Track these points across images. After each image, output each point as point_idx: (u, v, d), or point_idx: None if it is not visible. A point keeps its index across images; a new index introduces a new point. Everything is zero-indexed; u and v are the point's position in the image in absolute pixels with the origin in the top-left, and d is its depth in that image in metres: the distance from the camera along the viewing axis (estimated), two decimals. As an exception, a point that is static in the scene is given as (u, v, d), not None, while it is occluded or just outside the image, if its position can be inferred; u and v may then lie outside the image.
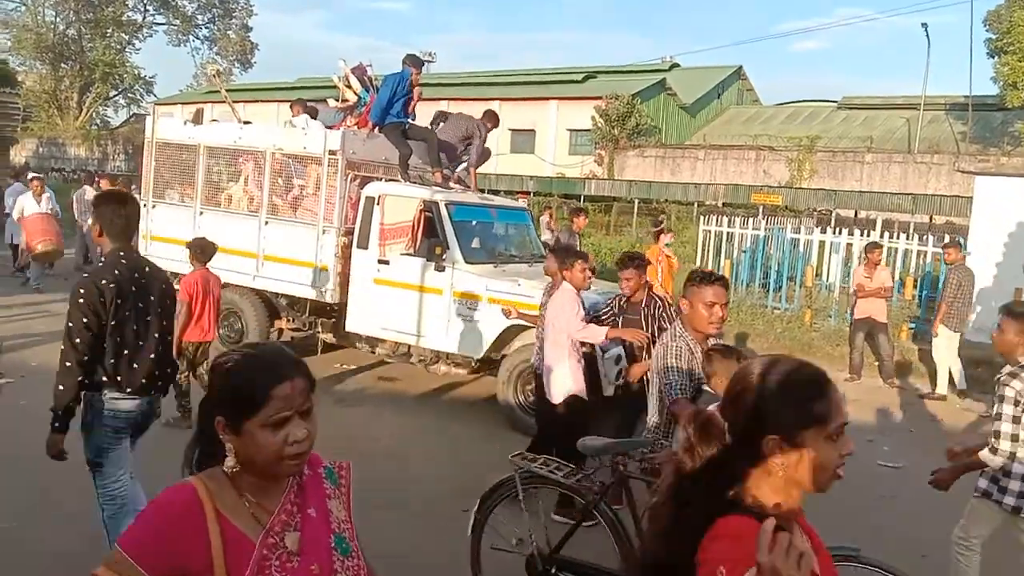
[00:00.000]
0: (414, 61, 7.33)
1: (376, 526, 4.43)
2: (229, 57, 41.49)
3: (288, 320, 7.65)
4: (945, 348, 8.28)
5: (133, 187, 12.42)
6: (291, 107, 8.30)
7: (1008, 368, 3.45)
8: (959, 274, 8.24)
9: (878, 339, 8.87)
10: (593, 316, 5.28)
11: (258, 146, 7.39)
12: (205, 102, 35.79)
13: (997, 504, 3.43)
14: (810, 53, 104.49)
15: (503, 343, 6.38)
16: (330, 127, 7.39)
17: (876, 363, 9.08)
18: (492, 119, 7.65)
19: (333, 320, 7.39)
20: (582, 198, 24.81)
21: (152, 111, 8.06)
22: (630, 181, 27.24)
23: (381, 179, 7.21)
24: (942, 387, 8.39)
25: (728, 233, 13.47)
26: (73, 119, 38.88)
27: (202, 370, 5.80)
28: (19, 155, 36.41)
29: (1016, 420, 3.33)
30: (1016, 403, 3.33)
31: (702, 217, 15.08)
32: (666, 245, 9.44)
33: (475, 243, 6.92)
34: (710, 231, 13.77)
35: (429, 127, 7.54)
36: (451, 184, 7.19)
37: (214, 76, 8.60)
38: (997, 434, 3.34)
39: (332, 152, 6.93)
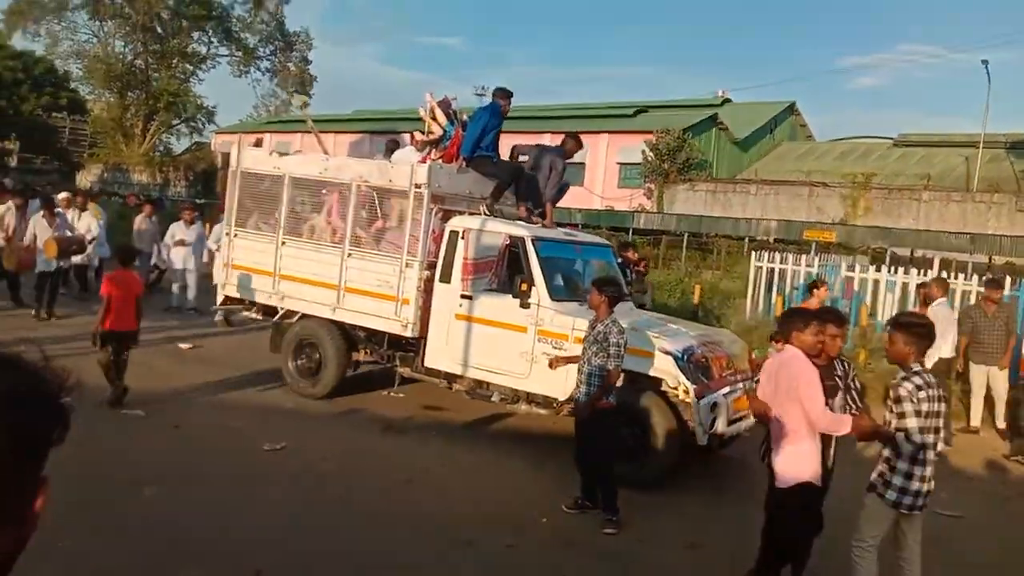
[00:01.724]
0: (504, 94, 7.34)
1: (424, 561, 4.51)
2: (288, 89, 42.59)
3: (366, 352, 7.62)
4: (975, 382, 8.53)
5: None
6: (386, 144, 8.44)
7: (901, 374, 3.81)
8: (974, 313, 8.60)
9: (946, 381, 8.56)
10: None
11: (343, 178, 7.44)
12: (265, 132, 36.83)
13: (881, 498, 3.79)
14: (865, 89, 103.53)
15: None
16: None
17: None
18: (575, 143, 7.54)
19: (411, 354, 7.33)
20: (631, 231, 24.66)
21: (239, 142, 8.12)
22: (680, 215, 27.03)
23: (464, 213, 7.19)
24: (975, 420, 8.58)
25: (780, 269, 13.21)
26: (137, 146, 40.19)
27: (126, 355, 6.74)
28: (85, 179, 37.76)
29: (918, 415, 3.68)
30: (912, 401, 3.68)
31: (754, 252, 14.84)
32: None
33: (559, 280, 6.83)
34: (762, 267, 13.51)
35: (516, 161, 7.52)
36: (535, 219, 7.14)
37: (301, 107, 8.71)
38: (906, 432, 3.69)
39: (418, 185, 6.93)
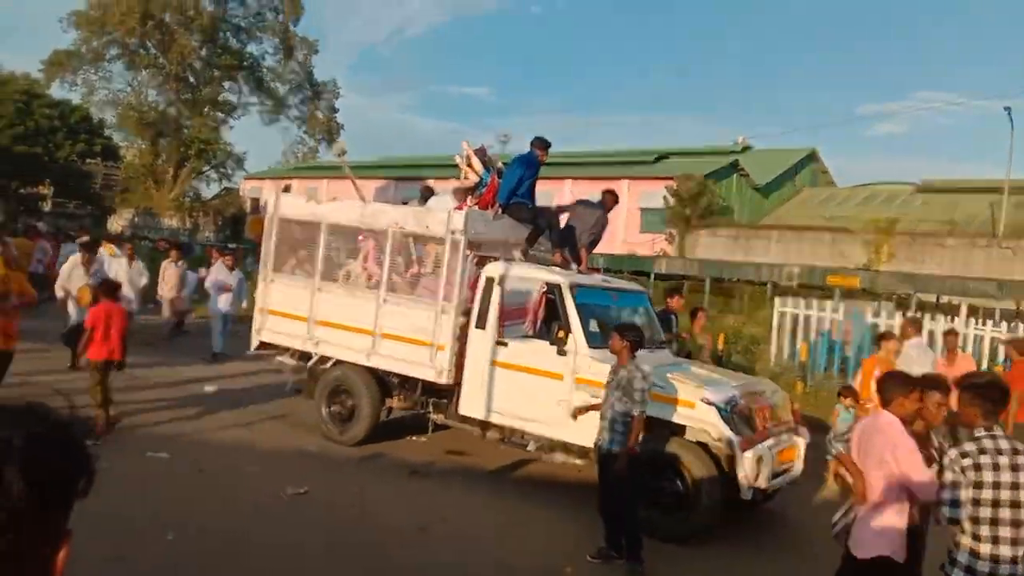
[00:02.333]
0: (541, 143, 7.43)
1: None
2: (316, 136, 43.52)
3: (400, 399, 7.58)
4: None
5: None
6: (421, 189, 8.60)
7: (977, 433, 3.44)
8: None
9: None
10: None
11: (379, 224, 7.51)
12: (292, 178, 37.54)
13: None
14: (887, 136, 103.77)
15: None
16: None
17: None
18: (613, 199, 7.66)
19: (445, 401, 7.28)
20: (652, 276, 24.61)
21: (278, 188, 8.38)
22: (701, 260, 26.97)
23: (499, 259, 7.21)
24: None
25: (805, 315, 13.07)
26: (168, 191, 41.05)
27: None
28: (116, 224, 38.52)
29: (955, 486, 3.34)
30: (952, 470, 3.36)
31: (777, 298, 14.72)
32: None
33: (596, 327, 6.78)
34: (785, 312, 13.37)
35: (552, 208, 7.58)
36: (571, 266, 7.14)
37: (338, 155, 8.85)
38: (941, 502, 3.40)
39: (455, 232, 6.97)
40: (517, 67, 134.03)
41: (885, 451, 3.63)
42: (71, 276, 10.31)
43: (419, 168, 36.35)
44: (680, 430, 5.96)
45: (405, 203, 8.91)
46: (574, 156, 33.36)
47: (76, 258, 10.66)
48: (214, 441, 7.29)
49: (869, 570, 3.69)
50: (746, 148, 35.30)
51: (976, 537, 3.29)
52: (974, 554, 3.28)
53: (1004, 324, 11.73)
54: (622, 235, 30.05)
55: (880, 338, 8.27)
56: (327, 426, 7.72)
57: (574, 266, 7.17)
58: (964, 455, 3.31)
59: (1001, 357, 10.65)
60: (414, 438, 7.89)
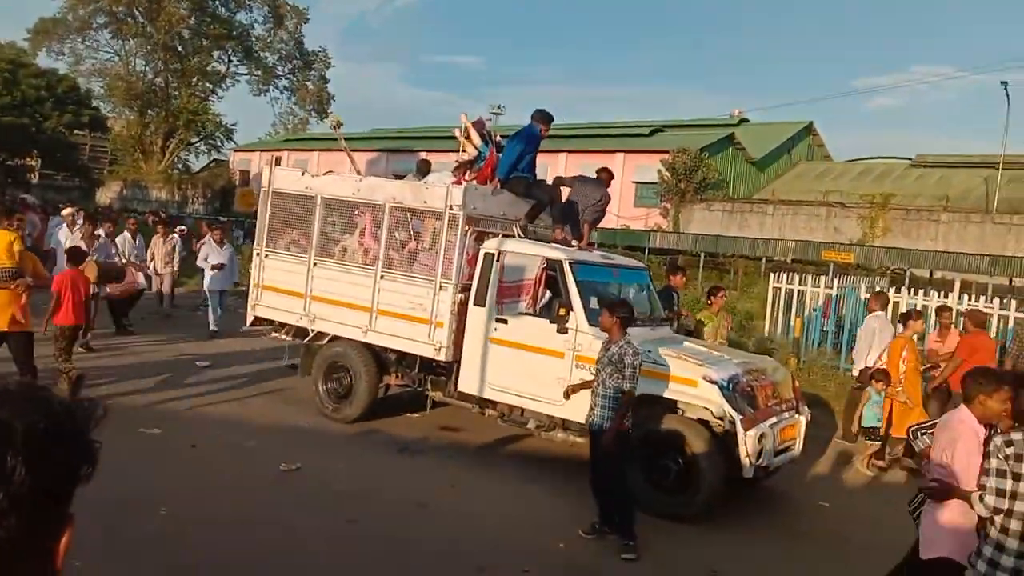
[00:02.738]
0: (543, 117, 7.28)
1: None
2: (306, 107, 42.96)
3: (397, 376, 7.51)
4: None
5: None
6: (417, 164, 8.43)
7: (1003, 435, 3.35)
8: None
9: (948, 407, 8.38)
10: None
11: (376, 199, 7.37)
12: (282, 150, 37.11)
13: (971, 568, 3.28)
14: (883, 110, 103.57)
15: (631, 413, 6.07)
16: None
17: None
18: (609, 175, 7.62)
19: (443, 378, 7.21)
20: (646, 251, 24.56)
21: (272, 162, 8.19)
22: (696, 234, 26.91)
23: (499, 235, 7.09)
24: None
25: (799, 290, 13.05)
26: (156, 163, 40.57)
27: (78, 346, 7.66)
28: (104, 196, 38.09)
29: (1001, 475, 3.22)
30: (998, 457, 3.25)
31: (772, 273, 14.69)
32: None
33: (595, 304, 6.70)
34: (780, 288, 13.33)
35: (552, 183, 7.46)
36: (572, 243, 7.03)
37: (334, 127, 8.67)
38: (984, 490, 3.26)
39: (453, 207, 6.85)
40: (510, 37, 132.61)
41: (947, 448, 3.50)
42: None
43: (411, 140, 36.01)
44: (681, 408, 5.92)
45: (397, 176, 8.77)
46: (569, 128, 33.03)
47: (75, 234, 10.54)
48: (208, 417, 7.24)
49: (930, 572, 3.55)
50: (742, 121, 35.09)
51: (1005, 531, 3.17)
52: (999, 547, 3.16)
53: (997, 300, 11.73)
54: (616, 209, 29.89)
55: (905, 318, 8.21)
56: (324, 403, 7.64)
57: (575, 242, 7.07)
58: (1009, 443, 3.18)
59: (993, 332, 10.70)
60: (410, 415, 7.84)
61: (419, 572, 4.64)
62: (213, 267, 11.52)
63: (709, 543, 5.48)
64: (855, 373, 8.72)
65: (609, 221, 28.76)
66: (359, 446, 6.94)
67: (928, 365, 8.60)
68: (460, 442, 7.34)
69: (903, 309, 12.33)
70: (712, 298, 8.84)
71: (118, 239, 11.44)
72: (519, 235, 7.01)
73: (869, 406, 7.56)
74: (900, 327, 8.28)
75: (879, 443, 7.62)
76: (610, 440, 5.08)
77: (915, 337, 8.29)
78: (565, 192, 7.62)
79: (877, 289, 11.12)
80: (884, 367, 7.72)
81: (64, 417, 0.92)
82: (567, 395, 5.86)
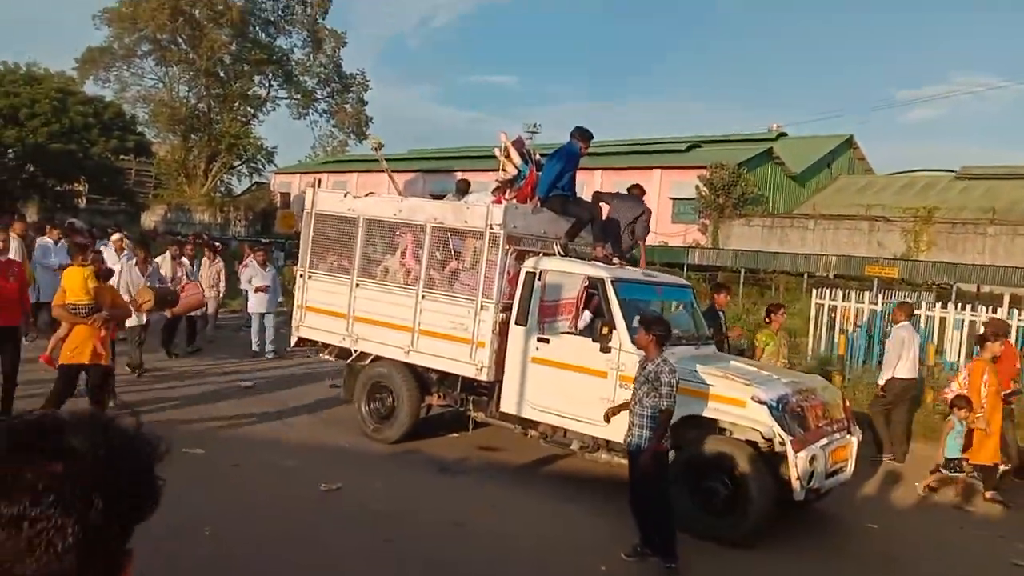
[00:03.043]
0: (583, 135, 7.26)
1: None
2: (345, 129, 43.64)
3: (439, 396, 7.50)
4: None
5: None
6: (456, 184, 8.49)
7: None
8: None
9: (1002, 426, 8.10)
10: None
11: (418, 219, 7.41)
12: (322, 172, 37.70)
13: None
14: (925, 121, 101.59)
15: (677, 435, 5.96)
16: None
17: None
18: (641, 192, 7.65)
19: (485, 398, 7.18)
20: (685, 267, 24.31)
21: (315, 184, 8.27)
22: (735, 250, 26.58)
23: (539, 253, 7.07)
24: None
25: (842, 307, 12.76)
26: (199, 186, 41.54)
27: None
28: (149, 220, 39.08)
29: None
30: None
31: (814, 290, 14.41)
32: None
33: (637, 322, 6.62)
34: (823, 304, 13.05)
35: (591, 202, 7.43)
36: (613, 260, 6.98)
37: (375, 149, 8.78)
38: None
39: (494, 226, 6.85)
40: (544, 55, 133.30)
41: None
42: (169, 272, 10.47)
43: (448, 160, 36.31)
44: (729, 429, 5.80)
45: (435, 196, 8.78)
46: (605, 145, 33.00)
47: (131, 262, 10.74)
48: (250, 437, 7.31)
49: None
50: (781, 135, 34.67)
51: None
52: None
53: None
54: (654, 225, 29.63)
55: (982, 340, 7.92)
56: (366, 423, 7.66)
57: (616, 260, 7.01)
58: None
59: None
60: (451, 435, 7.82)
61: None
62: (257, 289, 11.68)
63: (755, 565, 5.35)
64: (881, 382, 8.58)
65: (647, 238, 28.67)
66: (398, 466, 6.94)
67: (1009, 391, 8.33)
68: (499, 462, 7.30)
69: (949, 324, 12.05)
70: (772, 316, 8.59)
71: (159, 259, 11.61)
72: (559, 253, 6.97)
73: (952, 436, 7.13)
74: (978, 349, 8.00)
75: (961, 475, 7.19)
76: (648, 460, 5.01)
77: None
78: (604, 209, 7.59)
79: (901, 299, 11.08)
80: (964, 393, 7.34)
81: (132, 451, 0.93)
82: (607, 418, 5.77)
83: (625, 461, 6.31)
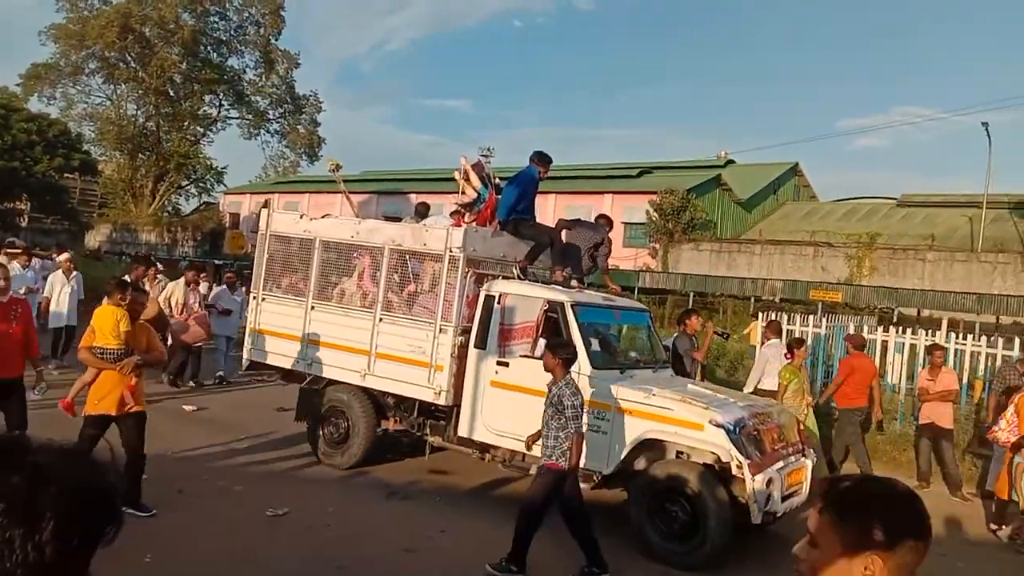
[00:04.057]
0: (541, 159, 7.31)
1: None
2: (297, 150, 43.19)
3: (395, 420, 7.39)
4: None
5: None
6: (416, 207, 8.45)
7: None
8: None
9: (942, 446, 8.49)
10: None
11: (375, 241, 7.34)
12: (273, 192, 37.16)
13: None
14: (867, 150, 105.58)
15: (637, 457, 5.98)
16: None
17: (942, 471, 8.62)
18: (609, 221, 7.71)
19: (443, 423, 7.10)
20: (636, 290, 24.60)
21: (268, 205, 8.20)
22: (685, 274, 27.02)
23: (499, 277, 7.06)
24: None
25: (788, 330, 13.08)
26: (147, 206, 40.51)
27: None
28: (94, 239, 37.89)
29: None
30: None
31: (760, 313, 14.74)
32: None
33: (596, 345, 6.65)
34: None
35: (551, 227, 7.47)
36: (572, 284, 7.01)
37: (332, 170, 8.67)
38: None
39: (453, 249, 6.82)
40: (499, 81, 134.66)
41: None
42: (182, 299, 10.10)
43: (401, 182, 36.20)
44: (686, 452, 5.84)
45: (388, 218, 8.74)
46: (558, 170, 33.32)
47: (178, 282, 10.45)
48: (193, 461, 7.12)
49: None
50: (729, 162, 35.57)
51: None
52: None
53: (984, 338, 11.81)
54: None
55: (1009, 391, 7.79)
56: (320, 448, 7.49)
57: (575, 283, 7.05)
58: None
59: (981, 370, 10.79)
60: (406, 459, 7.72)
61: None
62: (221, 312, 11.34)
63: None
64: (747, 390, 8.83)
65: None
66: (348, 489, 6.83)
67: (920, 400, 8.74)
68: (450, 486, 7.24)
69: (890, 347, 12.44)
70: (794, 352, 8.27)
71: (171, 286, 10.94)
72: (519, 276, 6.98)
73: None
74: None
75: None
76: (552, 481, 5.13)
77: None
78: (564, 234, 7.63)
79: (771, 319, 11.69)
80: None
81: (97, 477, 0.94)
82: (528, 446, 5.82)
83: (584, 486, 6.32)
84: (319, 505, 6.27)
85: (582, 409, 5.19)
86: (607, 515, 6.22)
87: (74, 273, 11.43)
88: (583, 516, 5.26)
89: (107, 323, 5.68)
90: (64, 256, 12.17)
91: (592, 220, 7.70)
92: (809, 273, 27.30)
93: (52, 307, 10.88)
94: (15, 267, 11.20)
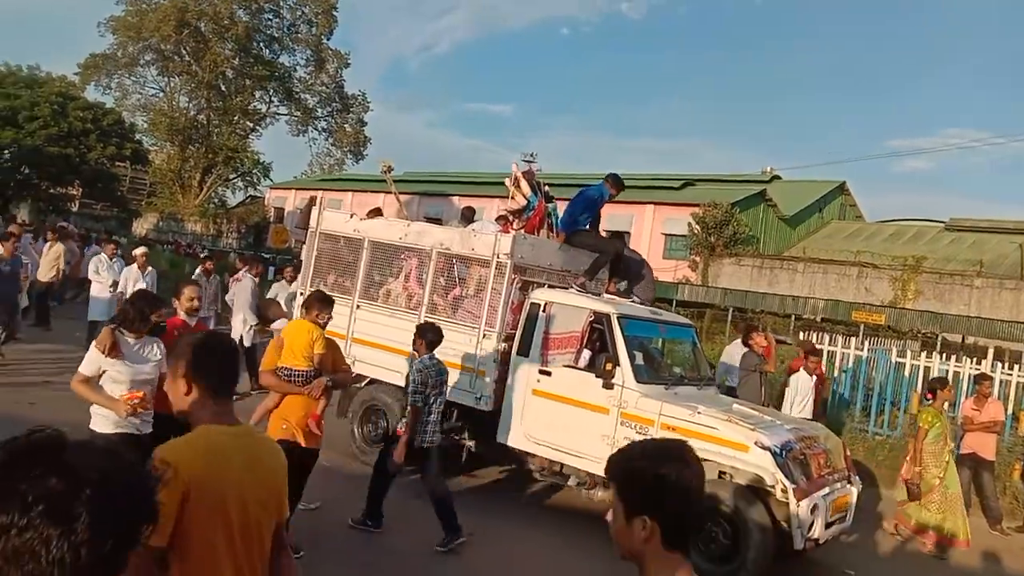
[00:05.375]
0: (616, 182, 7.34)
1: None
2: (343, 148, 43.72)
3: (435, 423, 7.39)
4: None
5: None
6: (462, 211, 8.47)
7: None
8: None
9: (983, 478, 8.21)
10: None
11: (423, 244, 7.38)
12: (317, 189, 37.67)
13: None
14: (916, 172, 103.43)
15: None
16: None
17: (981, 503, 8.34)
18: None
19: (482, 428, 7.09)
20: (674, 303, 24.37)
21: (319, 202, 8.28)
22: (725, 289, 26.69)
23: (544, 285, 7.04)
24: None
25: (829, 351, 12.79)
26: (194, 197, 41.38)
27: None
28: (142, 227, 38.82)
29: None
30: None
31: (801, 332, 14.49)
32: None
33: (644, 360, 6.59)
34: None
35: (618, 239, 7.47)
36: (633, 299, 6.96)
37: (385, 171, 8.75)
38: None
39: (501, 255, 6.82)
40: (543, 88, 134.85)
41: None
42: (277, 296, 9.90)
43: (443, 184, 36.40)
44: (729, 473, 5.74)
45: (429, 220, 8.75)
46: (597, 177, 33.27)
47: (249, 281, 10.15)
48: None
49: None
50: (774, 178, 35.07)
51: None
52: None
53: (1032, 368, 11.49)
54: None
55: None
56: (358, 446, 7.54)
57: (634, 298, 7.00)
58: None
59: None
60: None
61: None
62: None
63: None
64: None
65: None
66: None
67: (963, 429, 8.43)
68: (484, 490, 7.25)
69: (935, 373, 12.14)
70: (936, 393, 7.57)
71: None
72: (577, 290, 6.93)
73: None
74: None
75: None
76: (399, 453, 5.58)
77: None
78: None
79: (806, 341, 11.39)
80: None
81: (132, 477, 0.96)
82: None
83: (604, 493, 6.29)
84: (352, 502, 6.28)
85: (423, 386, 5.59)
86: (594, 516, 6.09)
87: (149, 269, 10.67)
88: (386, 479, 5.79)
89: (301, 341, 5.01)
90: (141, 250, 11.18)
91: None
92: (852, 294, 26.78)
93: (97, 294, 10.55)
94: (102, 259, 10.94)
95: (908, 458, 7.37)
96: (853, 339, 13.39)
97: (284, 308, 9.26)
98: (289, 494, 2.21)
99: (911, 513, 7.29)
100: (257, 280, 10.64)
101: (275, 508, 2.08)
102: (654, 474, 1.54)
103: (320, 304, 5.18)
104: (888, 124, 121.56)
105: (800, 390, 8.35)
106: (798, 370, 8.54)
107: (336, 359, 5.33)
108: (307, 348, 4.99)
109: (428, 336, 5.74)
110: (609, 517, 1.60)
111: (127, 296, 9.54)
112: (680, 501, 1.54)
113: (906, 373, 12.13)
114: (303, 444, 4.92)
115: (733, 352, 9.07)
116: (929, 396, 7.73)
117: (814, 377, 8.51)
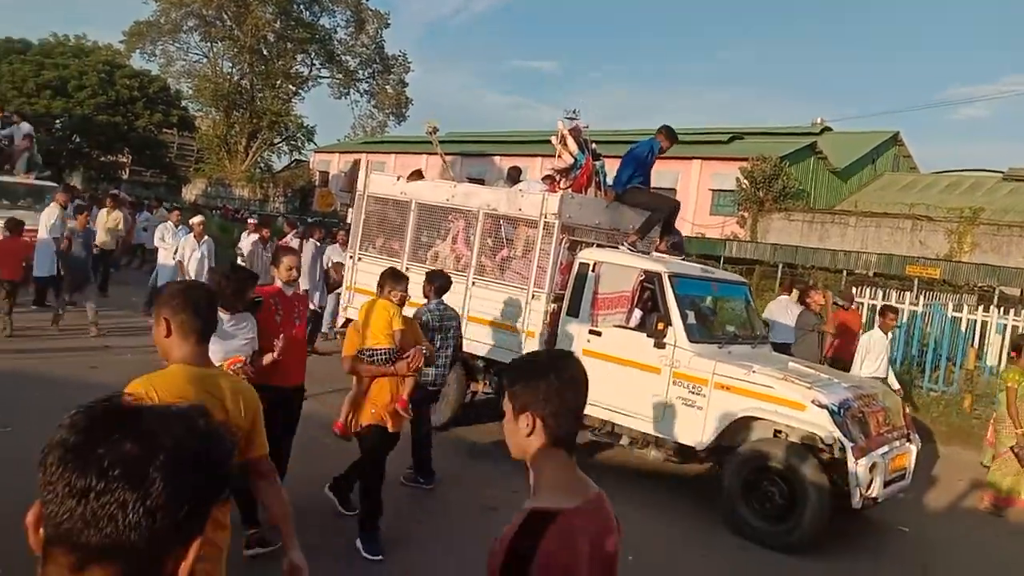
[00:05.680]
0: (669, 135, 7.14)
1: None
2: (385, 110, 43.70)
3: (485, 384, 7.46)
4: None
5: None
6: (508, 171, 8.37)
7: None
8: None
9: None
10: None
11: (470, 205, 7.35)
12: (361, 152, 37.84)
13: None
14: (974, 121, 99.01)
15: (732, 433, 5.85)
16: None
17: None
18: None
19: (532, 388, 7.12)
20: (722, 259, 23.98)
21: (366, 166, 8.35)
22: (774, 244, 26.14)
23: (592, 244, 6.96)
24: None
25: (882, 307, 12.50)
26: (240, 162, 41.95)
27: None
28: (190, 193, 39.62)
29: None
30: None
31: (854, 287, 14.15)
32: None
33: (696, 319, 6.50)
34: (863, 303, 12.78)
35: (671, 197, 7.34)
36: (671, 255, 6.86)
37: (430, 132, 8.71)
38: None
39: (549, 215, 6.76)
40: (585, 41, 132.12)
41: None
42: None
43: (485, 144, 36.17)
44: (785, 432, 5.67)
45: (472, 180, 8.69)
46: (645, 134, 32.65)
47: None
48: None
49: None
50: (825, 130, 33.95)
51: None
52: None
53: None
54: (691, 217, 29.32)
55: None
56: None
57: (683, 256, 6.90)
58: None
59: None
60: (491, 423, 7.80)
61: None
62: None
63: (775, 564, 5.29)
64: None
65: (683, 228, 28.30)
66: (433, 447, 6.94)
67: None
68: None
69: (990, 328, 11.74)
70: (1023, 349, 7.05)
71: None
72: (630, 249, 6.84)
73: None
74: None
75: None
76: (406, 390, 5.08)
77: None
78: None
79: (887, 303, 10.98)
80: None
81: (208, 442, 0.96)
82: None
83: (676, 461, 6.27)
84: (402, 460, 6.38)
85: (424, 328, 5.58)
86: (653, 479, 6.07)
87: (205, 238, 10.44)
88: (426, 436, 5.96)
89: (380, 320, 4.93)
90: (198, 219, 10.84)
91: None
92: (906, 247, 25.99)
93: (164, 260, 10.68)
94: (168, 226, 11.10)
95: (995, 423, 7.12)
96: (908, 294, 13.04)
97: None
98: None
99: (996, 481, 7.01)
100: (319, 245, 10.66)
101: (243, 444, 2.31)
102: (538, 374, 1.70)
103: (393, 281, 5.12)
104: (945, 72, 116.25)
105: (873, 348, 8.16)
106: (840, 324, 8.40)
107: (416, 334, 5.23)
108: (387, 326, 4.91)
109: (437, 282, 5.98)
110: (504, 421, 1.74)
111: (185, 264, 10.00)
112: (560, 399, 1.69)
113: (962, 328, 11.81)
114: (391, 429, 4.87)
115: (775, 309, 8.89)
116: (1014, 354, 7.37)
117: (889, 335, 8.25)
